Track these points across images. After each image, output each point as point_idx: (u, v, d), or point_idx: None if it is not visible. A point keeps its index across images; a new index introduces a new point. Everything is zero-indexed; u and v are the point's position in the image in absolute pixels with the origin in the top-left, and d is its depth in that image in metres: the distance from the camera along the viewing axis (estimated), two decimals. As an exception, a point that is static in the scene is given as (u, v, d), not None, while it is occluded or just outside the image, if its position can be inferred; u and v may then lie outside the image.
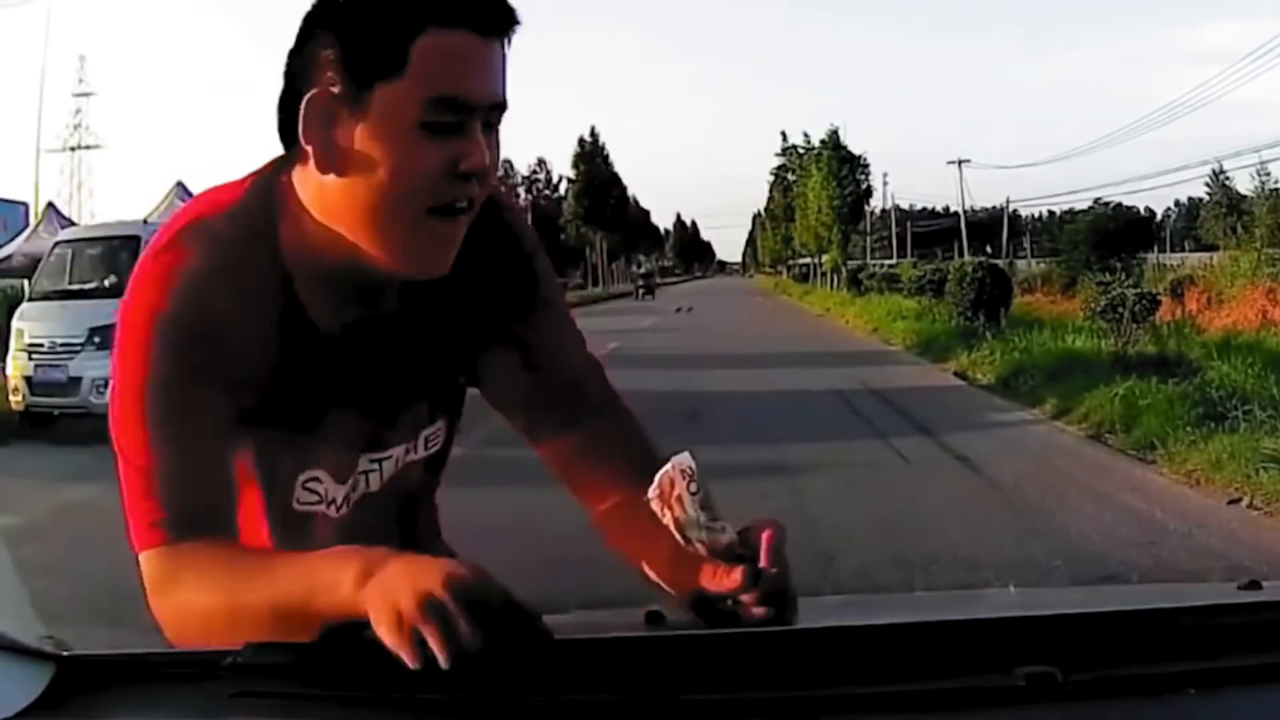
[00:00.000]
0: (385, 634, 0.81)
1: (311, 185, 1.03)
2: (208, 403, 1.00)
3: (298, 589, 0.91)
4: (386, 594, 0.83)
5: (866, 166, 40.88)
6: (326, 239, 1.03)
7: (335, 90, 0.99)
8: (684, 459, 1.00)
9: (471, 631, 0.79)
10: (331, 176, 1.00)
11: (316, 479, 1.12)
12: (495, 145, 1.03)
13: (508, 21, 1.03)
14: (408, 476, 1.20)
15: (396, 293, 1.09)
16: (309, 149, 1.00)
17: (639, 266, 70.33)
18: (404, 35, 0.98)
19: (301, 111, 0.99)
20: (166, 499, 0.99)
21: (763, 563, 0.99)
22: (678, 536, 1.00)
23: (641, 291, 53.95)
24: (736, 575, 0.98)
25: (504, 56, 1.03)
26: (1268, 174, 31.88)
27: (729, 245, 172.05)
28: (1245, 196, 34.21)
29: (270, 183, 1.05)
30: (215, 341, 1.00)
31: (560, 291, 1.27)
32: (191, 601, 0.96)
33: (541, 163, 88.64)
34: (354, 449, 1.13)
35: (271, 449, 1.07)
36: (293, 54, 1.02)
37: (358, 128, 0.98)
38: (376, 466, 1.16)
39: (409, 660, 0.79)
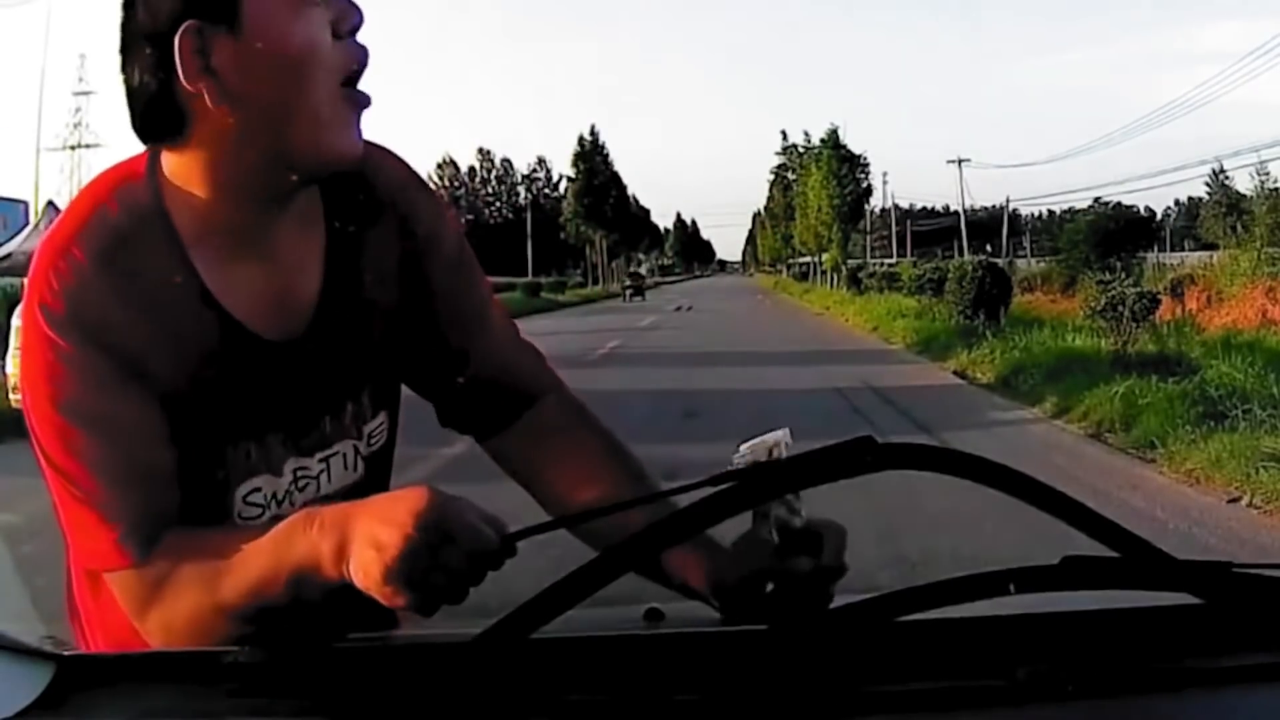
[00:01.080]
0: (377, 596, 0.85)
1: (195, 155, 0.98)
2: (130, 395, 0.95)
3: (278, 576, 0.90)
4: (366, 563, 0.85)
5: (866, 165, 41.08)
6: (225, 209, 0.99)
7: (205, 19, 0.93)
8: (784, 434, 0.97)
9: (451, 574, 0.85)
10: (225, 108, 0.94)
11: (258, 489, 1.05)
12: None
13: None
14: (361, 477, 1.13)
15: (317, 274, 1.06)
16: (200, 90, 0.94)
17: (638, 264, 69.59)
18: None
19: (178, 58, 0.92)
20: (121, 511, 0.95)
21: (827, 559, 0.98)
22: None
23: (630, 293, 48.91)
24: (803, 565, 0.97)
25: None
26: (1267, 173, 31.86)
27: (729, 244, 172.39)
28: (1245, 196, 34.19)
29: (151, 172, 1.00)
30: (119, 335, 0.95)
31: (483, 278, 1.21)
32: (176, 613, 0.94)
33: (541, 161, 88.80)
34: (294, 449, 1.07)
35: (202, 460, 1.01)
36: (138, 42, 0.96)
37: (239, 39, 0.94)
38: (325, 466, 1.09)
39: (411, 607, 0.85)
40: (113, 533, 0.95)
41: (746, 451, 0.95)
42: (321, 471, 1.09)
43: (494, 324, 1.19)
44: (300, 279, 1.05)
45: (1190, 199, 76.31)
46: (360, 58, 0.99)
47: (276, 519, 1.03)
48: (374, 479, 1.14)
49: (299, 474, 1.08)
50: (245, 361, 1.01)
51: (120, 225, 0.97)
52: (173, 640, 0.95)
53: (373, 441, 1.14)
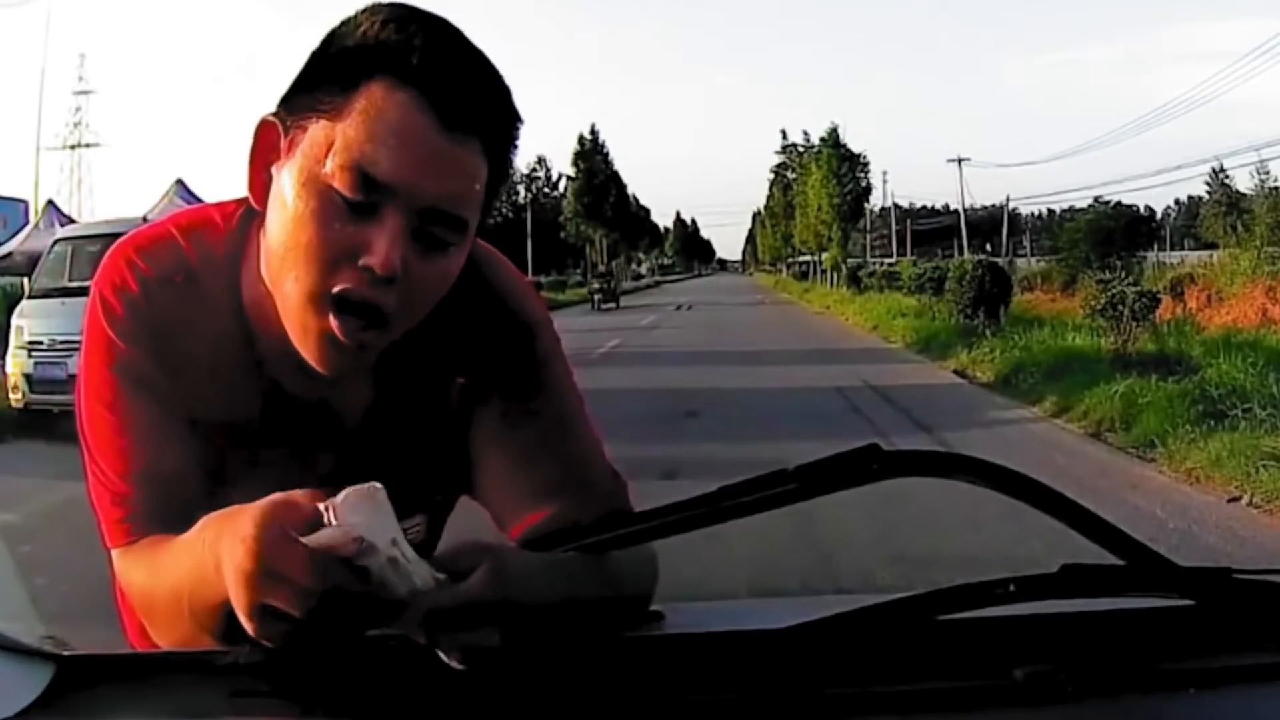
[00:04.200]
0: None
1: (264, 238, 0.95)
2: (167, 408, 0.98)
3: (192, 581, 0.87)
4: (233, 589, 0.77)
5: (866, 164, 41.12)
6: (269, 293, 0.96)
7: (285, 113, 0.90)
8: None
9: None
10: (267, 221, 0.92)
11: None
12: (441, 264, 0.90)
13: (478, 121, 0.88)
14: None
15: (368, 387, 1.02)
16: (258, 184, 0.92)
17: (638, 264, 68.66)
18: (351, 73, 0.87)
19: (252, 142, 0.92)
20: (131, 498, 0.98)
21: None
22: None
23: (599, 299, 38.35)
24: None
25: (476, 162, 0.88)
26: (1267, 172, 31.97)
27: (729, 243, 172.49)
28: (1245, 195, 34.23)
29: (246, 218, 0.99)
30: (168, 359, 0.97)
31: (565, 382, 1.08)
32: (139, 597, 0.97)
33: (541, 160, 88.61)
34: None
35: (214, 487, 1.00)
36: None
37: (288, 163, 0.90)
38: None
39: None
40: (117, 515, 0.98)
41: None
42: None
43: (565, 467, 1.04)
44: (350, 389, 1.01)
45: (1190, 198, 76.39)
46: (371, 299, 0.88)
47: None
48: None
49: None
50: (270, 420, 1.01)
51: (188, 261, 0.99)
52: (146, 624, 0.97)
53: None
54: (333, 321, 0.89)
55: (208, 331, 0.99)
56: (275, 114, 0.92)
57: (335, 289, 0.88)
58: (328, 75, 0.88)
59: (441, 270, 0.91)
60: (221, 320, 0.99)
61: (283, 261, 0.90)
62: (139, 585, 0.97)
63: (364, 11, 0.90)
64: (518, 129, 0.93)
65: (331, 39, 0.90)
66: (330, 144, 0.86)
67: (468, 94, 0.87)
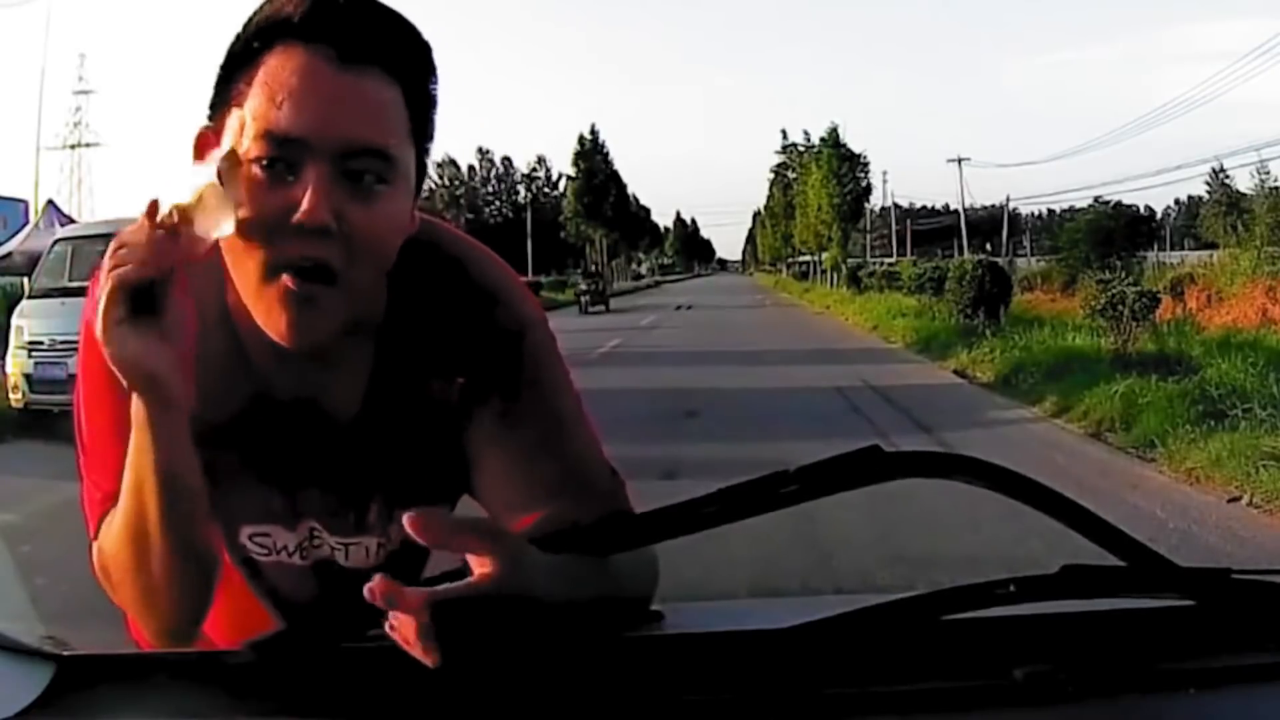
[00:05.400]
0: None
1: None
2: None
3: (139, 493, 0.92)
4: None
5: (866, 164, 41.12)
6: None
7: (211, 120, 0.93)
8: None
9: None
10: None
11: (265, 534, 1.07)
12: (381, 208, 0.90)
13: (373, 50, 0.89)
14: (383, 563, 1.08)
15: (362, 381, 1.02)
16: None
17: (638, 264, 68.49)
18: (251, 55, 0.89)
19: (192, 152, 0.93)
20: (108, 496, 0.98)
21: None
22: None
23: (586, 301, 34.47)
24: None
25: (382, 90, 0.89)
26: (1267, 172, 32.02)
27: (729, 243, 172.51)
28: (1245, 195, 34.25)
29: None
30: None
31: (561, 381, 1.06)
32: (103, 567, 0.99)
33: (541, 161, 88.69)
34: (311, 515, 1.06)
35: (214, 490, 1.00)
36: None
37: (217, 175, 0.89)
38: (344, 548, 1.08)
39: None
40: (103, 507, 0.99)
41: None
42: (339, 550, 1.08)
43: (567, 432, 1.04)
44: (344, 383, 1.01)
45: (1190, 198, 76.50)
46: (311, 257, 0.89)
47: (284, 566, 1.08)
48: (402, 569, 0.96)
49: (314, 534, 1.08)
50: (266, 426, 1.01)
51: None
52: (134, 615, 1.00)
53: (402, 540, 1.04)
54: (283, 279, 0.89)
55: (200, 332, 0.97)
56: (206, 125, 0.93)
57: (279, 253, 0.89)
58: (234, 67, 0.91)
59: (383, 215, 0.91)
60: (213, 320, 0.99)
61: (232, 250, 0.91)
62: (105, 552, 0.98)
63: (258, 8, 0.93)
64: (424, 50, 0.93)
65: (233, 40, 0.92)
66: (243, 125, 0.89)
67: (354, 29, 0.88)
